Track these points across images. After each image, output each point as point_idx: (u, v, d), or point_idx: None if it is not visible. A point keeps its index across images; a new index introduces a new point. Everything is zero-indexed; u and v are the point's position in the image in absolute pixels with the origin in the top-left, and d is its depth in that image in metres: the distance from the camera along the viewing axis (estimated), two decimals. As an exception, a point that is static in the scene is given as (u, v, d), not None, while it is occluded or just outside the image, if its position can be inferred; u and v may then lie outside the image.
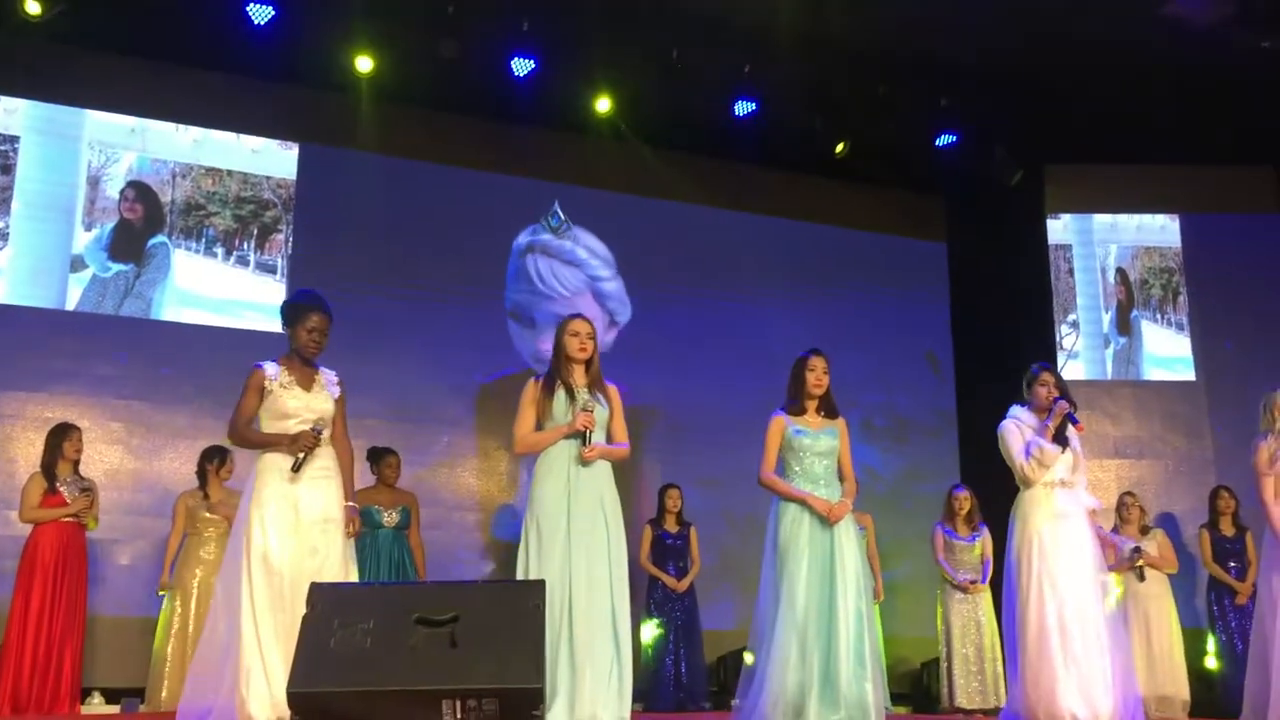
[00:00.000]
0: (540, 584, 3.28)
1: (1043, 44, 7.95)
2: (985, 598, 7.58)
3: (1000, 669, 7.33)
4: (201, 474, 6.89)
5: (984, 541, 7.71)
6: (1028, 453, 5.20)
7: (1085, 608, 5.04)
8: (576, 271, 9.10)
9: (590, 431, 4.47)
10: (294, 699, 2.92)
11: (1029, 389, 5.35)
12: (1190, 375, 9.48)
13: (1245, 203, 9.54)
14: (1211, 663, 7.78)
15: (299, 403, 4.43)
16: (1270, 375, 7.75)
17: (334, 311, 4.59)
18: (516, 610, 3.12)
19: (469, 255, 8.78)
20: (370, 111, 8.43)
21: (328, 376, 4.59)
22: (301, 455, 4.33)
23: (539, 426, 4.58)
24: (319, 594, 3.14)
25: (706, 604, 8.01)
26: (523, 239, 9.00)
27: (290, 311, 4.56)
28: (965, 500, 7.79)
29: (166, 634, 6.61)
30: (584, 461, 4.47)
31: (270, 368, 4.49)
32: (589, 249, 9.16)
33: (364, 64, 8.04)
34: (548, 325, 8.65)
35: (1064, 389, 5.31)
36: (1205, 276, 9.60)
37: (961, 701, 7.43)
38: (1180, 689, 7.45)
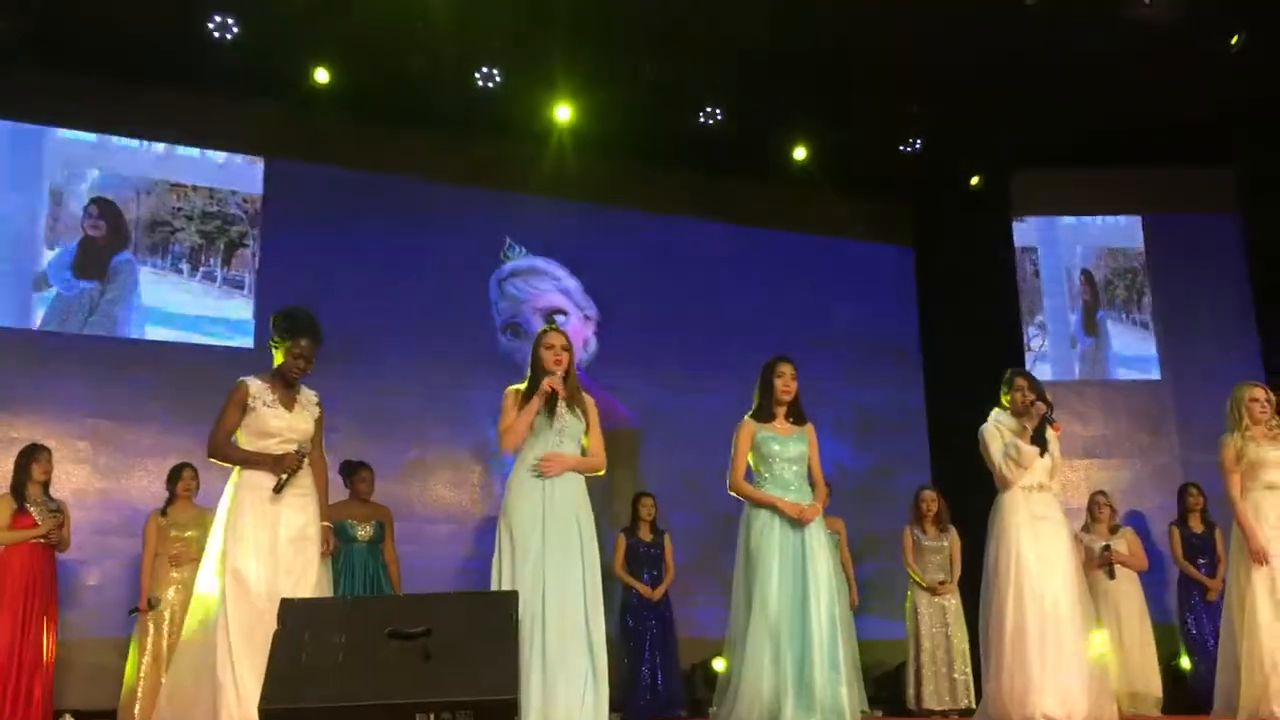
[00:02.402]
0: (513, 595, 3.27)
1: (1005, 49, 8.02)
2: (954, 598, 7.62)
3: (969, 670, 7.37)
4: (170, 492, 6.84)
5: (952, 541, 7.74)
6: (1005, 454, 5.27)
7: (1062, 610, 5.10)
8: (542, 277, 9.33)
9: (560, 396, 4.48)
10: (267, 716, 2.90)
11: (1007, 392, 5.43)
12: (1156, 374, 9.58)
13: (1205, 203, 9.65)
14: (1183, 660, 7.84)
15: (282, 423, 4.44)
16: (1234, 372, 7.88)
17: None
18: (489, 621, 3.11)
19: (437, 267, 8.78)
20: (337, 125, 8.42)
21: (308, 396, 4.60)
22: (285, 477, 4.33)
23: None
24: (290, 609, 3.12)
25: (682, 610, 8.01)
26: (494, 277, 9.16)
27: (280, 331, 4.52)
28: (932, 501, 7.82)
29: (139, 654, 6.55)
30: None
31: (254, 384, 4.48)
32: (546, 261, 9.36)
33: (322, 75, 7.99)
34: (534, 323, 8.94)
35: (1040, 393, 5.38)
36: (1169, 276, 9.71)
37: (930, 703, 7.44)
38: (1152, 685, 7.50)
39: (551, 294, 9.30)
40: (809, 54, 8.01)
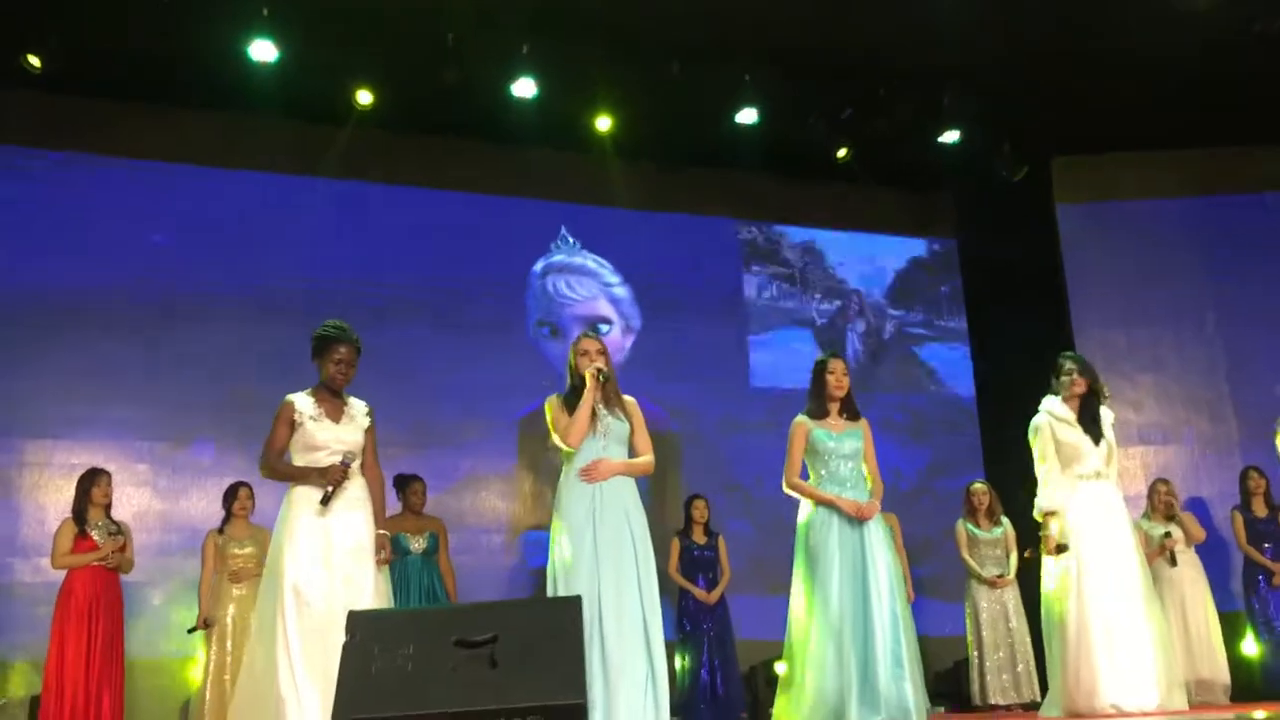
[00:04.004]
0: (577, 599, 3.28)
1: (1038, 37, 7.96)
2: (1013, 591, 7.55)
3: (1032, 663, 7.30)
4: (226, 511, 6.92)
5: (1007, 534, 7.68)
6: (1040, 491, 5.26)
7: (1127, 598, 5.03)
8: (590, 280, 9.29)
9: (605, 375, 4.52)
10: (339, 727, 2.94)
11: (1057, 378, 5.38)
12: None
13: (1251, 183, 9.49)
14: (1250, 645, 7.71)
15: (329, 435, 4.47)
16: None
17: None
18: (554, 626, 3.12)
19: (482, 279, 8.85)
20: (377, 142, 8.50)
21: (357, 407, 4.62)
22: (330, 489, 4.35)
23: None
24: (357, 622, 3.14)
25: (738, 612, 7.99)
26: (539, 265, 9.14)
27: (318, 343, 4.58)
28: (984, 494, 7.77)
29: (203, 673, 6.63)
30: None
31: (300, 400, 4.52)
32: (598, 261, 9.34)
33: (364, 97, 8.08)
34: (573, 329, 8.86)
35: (1093, 377, 5.34)
36: (1223, 257, 9.53)
37: (994, 698, 7.38)
38: (1219, 673, 7.37)
39: (596, 300, 9.24)
40: (842, 49, 8.00)
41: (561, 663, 3.03)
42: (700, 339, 9.29)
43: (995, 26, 7.82)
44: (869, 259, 9.96)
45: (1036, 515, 5.33)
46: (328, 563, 4.30)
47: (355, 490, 4.47)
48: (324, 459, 4.43)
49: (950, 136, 8.97)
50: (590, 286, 9.24)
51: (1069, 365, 5.38)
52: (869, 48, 8.03)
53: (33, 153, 7.90)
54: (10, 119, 7.82)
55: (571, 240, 9.21)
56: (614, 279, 9.31)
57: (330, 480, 4.36)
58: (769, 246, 9.74)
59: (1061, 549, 5.16)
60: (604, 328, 9.11)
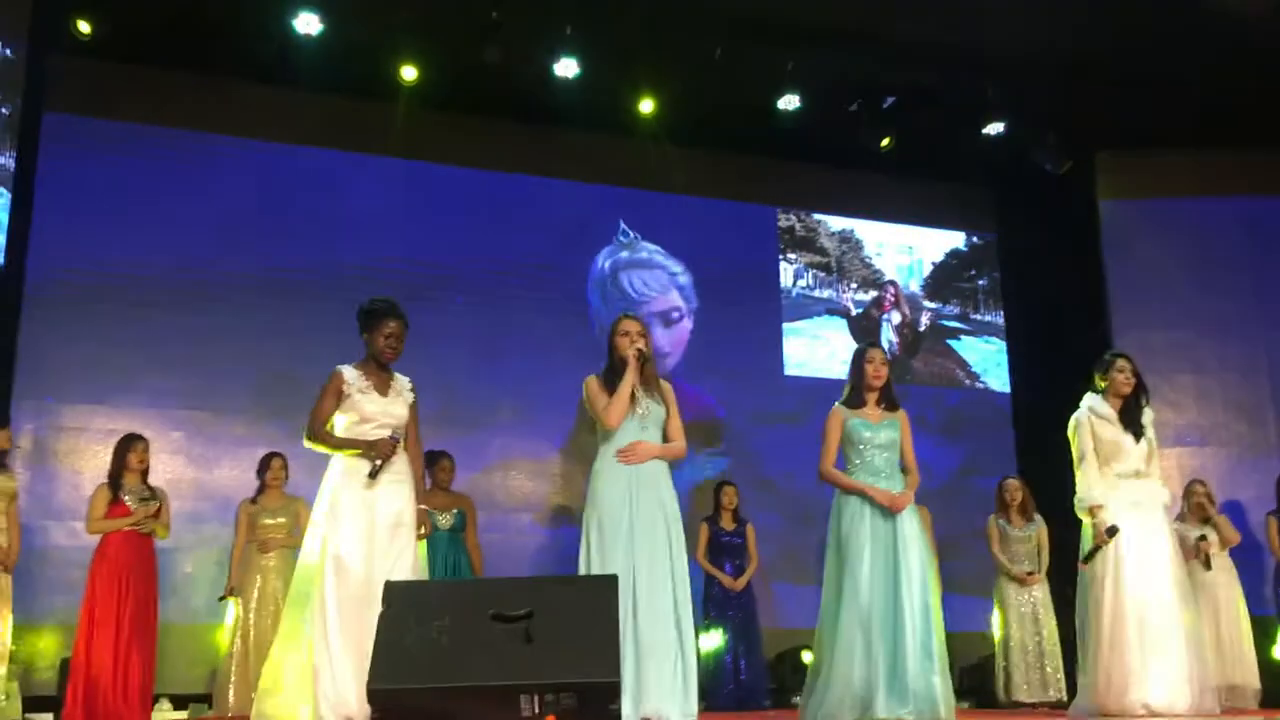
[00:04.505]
0: (613, 578, 3.28)
1: (1085, 30, 7.87)
2: (1043, 589, 7.49)
3: (1060, 661, 7.26)
4: (260, 481, 6.96)
5: (1040, 531, 7.62)
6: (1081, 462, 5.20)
7: (1162, 599, 4.98)
8: (659, 273, 9.32)
9: (645, 357, 4.49)
10: (374, 695, 2.95)
11: (1104, 375, 5.32)
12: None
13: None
14: (1282, 651, 7.64)
15: (376, 408, 4.50)
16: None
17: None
18: (590, 604, 3.13)
19: (518, 259, 8.84)
20: (419, 119, 8.50)
21: (402, 382, 4.65)
22: (379, 462, 4.37)
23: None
24: (394, 592, 3.17)
25: (764, 600, 7.98)
26: (604, 263, 9.17)
27: (367, 317, 4.60)
28: (1017, 490, 7.71)
29: (231, 640, 6.68)
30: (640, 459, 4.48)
31: (349, 372, 4.55)
32: (662, 254, 9.36)
33: (409, 73, 8.10)
34: (652, 324, 8.91)
35: (1140, 376, 5.28)
36: (1267, 258, 9.38)
37: (1020, 695, 7.33)
38: (1250, 678, 7.30)
39: (669, 293, 9.26)
40: (887, 37, 7.94)
41: (596, 641, 3.04)
42: (734, 325, 9.27)
43: (1041, 17, 7.74)
44: (907, 250, 9.90)
45: (1078, 512, 5.28)
46: (370, 535, 4.33)
47: (399, 465, 4.50)
48: (370, 431, 4.46)
49: (994, 128, 8.88)
50: (660, 279, 9.27)
51: (1120, 362, 5.32)
52: (913, 37, 7.97)
53: (76, 120, 7.92)
54: (57, 85, 7.85)
55: (631, 234, 9.20)
56: (678, 268, 9.34)
57: (380, 454, 4.39)
58: (807, 234, 9.71)
59: (1113, 531, 5.10)
60: (674, 314, 9.10)
